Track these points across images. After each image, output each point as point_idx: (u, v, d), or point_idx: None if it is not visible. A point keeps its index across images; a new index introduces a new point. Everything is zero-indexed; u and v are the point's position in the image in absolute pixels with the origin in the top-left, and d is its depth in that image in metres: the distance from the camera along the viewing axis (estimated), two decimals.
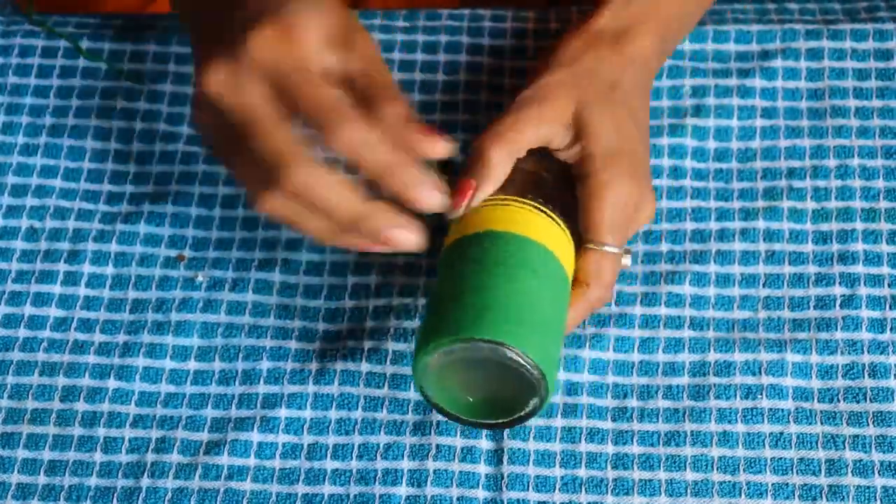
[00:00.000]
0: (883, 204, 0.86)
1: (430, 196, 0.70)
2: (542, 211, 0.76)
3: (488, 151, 0.76)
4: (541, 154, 0.79)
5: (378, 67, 0.72)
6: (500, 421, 0.74)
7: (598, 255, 0.77)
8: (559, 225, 0.77)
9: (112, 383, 0.82)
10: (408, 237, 0.71)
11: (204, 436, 0.81)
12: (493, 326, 0.70)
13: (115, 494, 0.79)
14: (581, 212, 0.78)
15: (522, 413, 0.72)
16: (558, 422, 0.80)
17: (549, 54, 0.81)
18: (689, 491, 0.78)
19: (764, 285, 0.84)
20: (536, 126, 0.77)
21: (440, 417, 0.80)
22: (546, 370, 0.70)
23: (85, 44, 0.94)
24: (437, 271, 0.76)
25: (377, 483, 0.79)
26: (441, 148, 0.70)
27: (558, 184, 0.79)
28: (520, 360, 0.70)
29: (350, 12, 0.74)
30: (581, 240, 0.78)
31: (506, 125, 0.77)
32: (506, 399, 0.73)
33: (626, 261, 0.79)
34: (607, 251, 0.77)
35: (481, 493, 0.79)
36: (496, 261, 0.73)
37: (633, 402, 0.81)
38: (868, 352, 0.82)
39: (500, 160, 0.76)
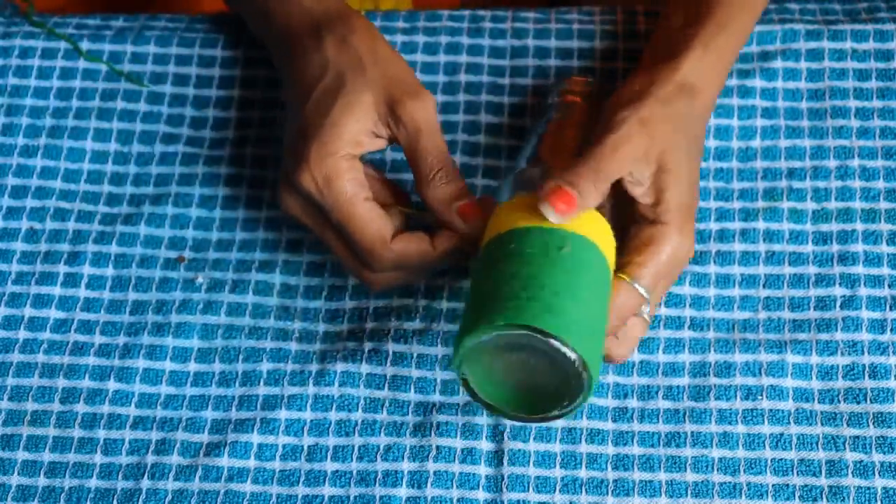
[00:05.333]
0: (883, 205, 0.86)
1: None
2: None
3: (584, 186, 0.74)
4: None
5: (424, 139, 0.78)
6: (540, 415, 0.72)
7: (626, 287, 0.75)
8: (611, 234, 0.75)
9: (112, 385, 0.82)
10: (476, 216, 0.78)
11: (204, 437, 0.81)
12: (544, 317, 0.68)
13: (116, 496, 0.79)
14: (630, 250, 0.76)
15: (562, 408, 0.71)
16: (558, 423, 0.80)
17: (643, 85, 0.80)
18: (689, 492, 0.78)
19: (764, 286, 0.84)
20: (630, 162, 0.76)
21: (441, 418, 0.80)
22: (590, 364, 0.69)
23: (85, 45, 0.94)
24: (480, 257, 0.74)
25: (377, 484, 0.79)
26: (476, 224, 0.77)
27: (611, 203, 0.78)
28: (567, 352, 0.68)
29: (408, 73, 0.81)
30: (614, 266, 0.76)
31: (604, 158, 0.75)
32: (545, 394, 0.71)
33: (647, 316, 0.77)
34: (637, 289, 0.75)
35: (482, 495, 0.79)
36: (557, 257, 0.71)
37: (633, 403, 0.81)
38: (868, 353, 0.82)
39: (592, 196, 0.74)
